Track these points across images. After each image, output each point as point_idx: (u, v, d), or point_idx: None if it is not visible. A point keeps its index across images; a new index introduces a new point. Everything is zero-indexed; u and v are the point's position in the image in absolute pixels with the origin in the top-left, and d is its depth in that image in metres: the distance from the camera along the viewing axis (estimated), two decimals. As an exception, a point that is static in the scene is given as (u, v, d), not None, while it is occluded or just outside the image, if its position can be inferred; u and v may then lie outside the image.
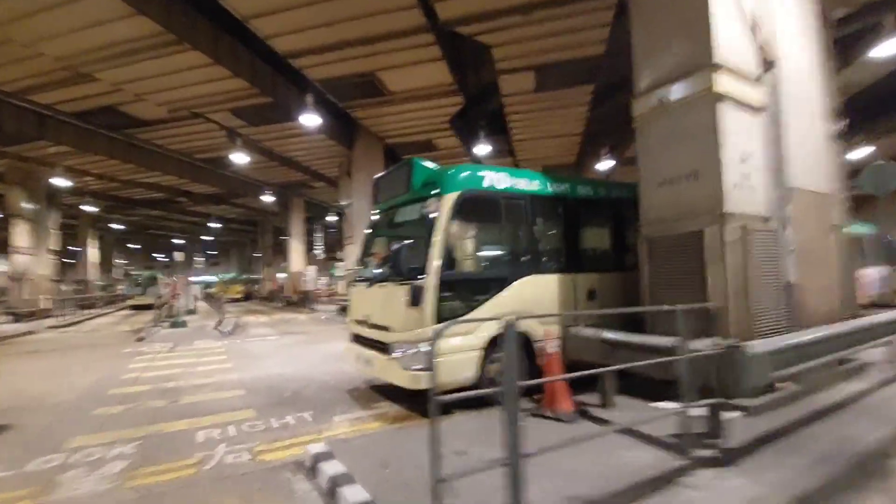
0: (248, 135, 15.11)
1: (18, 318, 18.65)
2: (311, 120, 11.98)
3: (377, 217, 5.95)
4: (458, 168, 4.93)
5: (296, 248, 25.87)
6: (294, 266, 25.76)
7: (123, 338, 13.07)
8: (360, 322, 5.40)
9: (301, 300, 24.40)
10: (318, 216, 29.08)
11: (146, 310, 27.24)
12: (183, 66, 10.31)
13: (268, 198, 22.27)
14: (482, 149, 15.15)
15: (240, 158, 15.47)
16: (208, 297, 36.03)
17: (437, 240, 4.45)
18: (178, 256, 16.95)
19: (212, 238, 44.73)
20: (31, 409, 5.41)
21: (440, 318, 4.35)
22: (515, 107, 12.79)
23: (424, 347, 4.28)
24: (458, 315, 4.51)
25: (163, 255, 57.77)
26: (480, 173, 4.99)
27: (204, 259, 54.62)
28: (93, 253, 33.31)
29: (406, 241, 5.49)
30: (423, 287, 4.36)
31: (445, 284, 4.45)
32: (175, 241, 43.83)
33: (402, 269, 4.55)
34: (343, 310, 17.61)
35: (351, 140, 16.17)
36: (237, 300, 35.28)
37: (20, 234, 19.57)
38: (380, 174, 6.10)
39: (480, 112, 13.33)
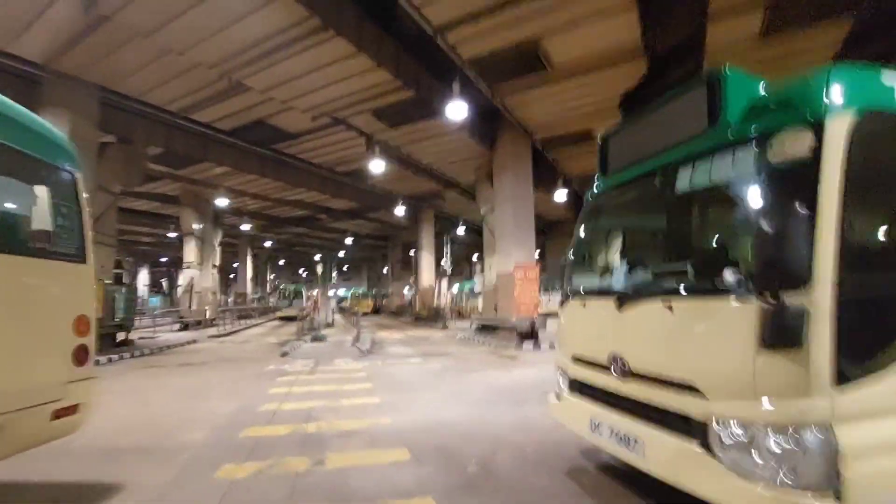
0: (386, 140, 14.29)
1: (187, 326, 20.38)
2: (456, 110, 10.42)
3: (607, 196, 3.75)
4: (841, 69, 2.46)
5: (426, 262, 25.07)
6: (424, 280, 24.94)
7: (270, 350, 12.78)
8: (590, 364, 3.24)
9: (432, 316, 23.33)
10: (446, 230, 28.13)
11: (292, 321, 29.12)
12: (326, 60, 9.50)
13: (400, 210, 21.73)
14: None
15: (377, 167, 14.71)
16: (342, 311, 37.62)
17: (826, 213, 2.09)
18: (318, 269, 16.51)
19: (345, 254, 47.24)
20: (151, 452, 4.24)
21: (844, 373, 1.99)
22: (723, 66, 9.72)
23: (814, 437, 1.96)
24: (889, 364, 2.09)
25: (304, 271, 63.35)
26: (888, 78, 2.47)
27: (338, 274, 58.27)
28: (249, 269, 36.91)
29: (688, 223, 3.24)
30: (805, 311, 2.02)
31: (854, 305, 2.06)
32: (315, 257, 47.18)
33: (741, 274, 2.27)
34: (483, 328, 15.78)
35: (493, 139, 14.45)
36: (367, 314, 36.18)
37: (191, 251, 21.63)
38: (616, 127, 3.82)
39: (664, 84, 10.50)
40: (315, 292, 17.41)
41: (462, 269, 46.26)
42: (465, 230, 27.80)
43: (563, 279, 3.98)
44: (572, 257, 3.95)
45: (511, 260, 13.63)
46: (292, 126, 13.63)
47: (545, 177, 16.13)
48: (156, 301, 44.52)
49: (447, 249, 27.30)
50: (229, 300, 38.36)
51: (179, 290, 22.58)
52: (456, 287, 27.04)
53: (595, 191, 3.82)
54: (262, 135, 14.23)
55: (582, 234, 3.96)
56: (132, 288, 14.23)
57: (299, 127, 13.66)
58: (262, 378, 8.19)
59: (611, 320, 3.07)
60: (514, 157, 13.67)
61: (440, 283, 23.87)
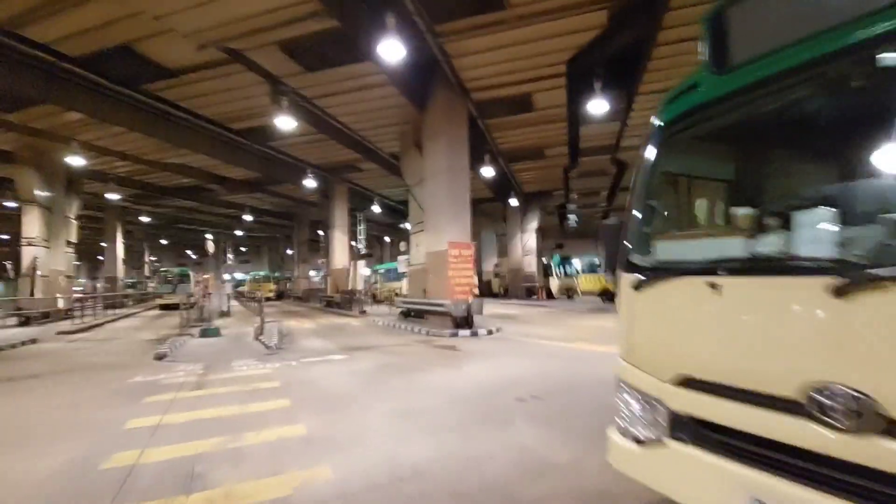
0: (297, 89, 11.78)
1: (28, 320, 15.91)
2: (389, 51, 8.46)
3: (728, 104, 2.24)
4: None
5: (339, 242, 22.64)
6: (337, 262, 22.54)
7: (141, 351, 9.92)
8: (741, 396, 1.78)
9: (346, 301, 21.13)
10: (360, 207, 25.81)
11: (176, 310, 24.64)
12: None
13: (310, 182, 19.03)
14: (596, 106, 11.46)
15: (285, 124, 12.14)
16: (240, 297, 33.46)
17: None
18: (210, 247, 13.57)
19: (243, 234, 42.29)
20: None
21: None
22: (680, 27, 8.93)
23: None
24: None
25: (193, 253, 56.10)
26: None
27: (234, 256, 52.42)
28: (120, 248, 31.01)
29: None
30: None
31: None
32: (206, 236, 41.50)
33: None
34: (407, 314, 14.17)
35: (424, 99, 12.63)
36: (269, 299, 32.56)
37: (32, 223, 16.87)
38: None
39: (614, 45, 9.55)
40: (206, 276, 14.35)
41: (373, 250, 44.01)
42: (382, 208, 25.74)
43: (620, 244, 2.53)
44: (651, 209, 2.47)
45: (444, 237, 12.12)
46: (171, 59, 10.53)
47: (473, 149, 14.81)
48: (0, 288, 35.90)
49: (361, 228, 25.08)
50: (98, 286, 32.04)
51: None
52: (367, 269, 25.00)
53: (697, 99, 2.31)
54: (129, 69, 10.86)
55: (671, 171, 2.49)
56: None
57: (181, 61, 10.61)
58: (121, 398, 5.75)
59: (809, 320, 1.62)
60: (449, 122, 12.04)
61: (355, 264, 21.70)
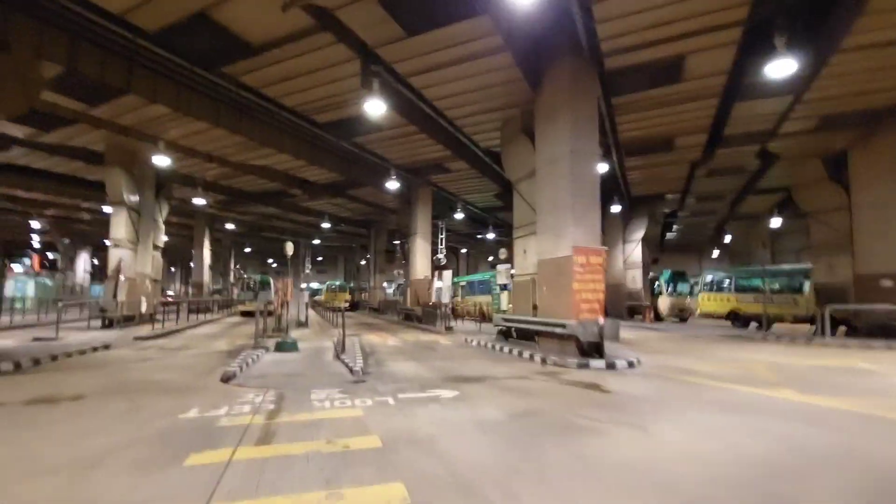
0: (392, 63, 9.99)
1: (111, 323, 15.54)
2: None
3: None
4: None
5: (421, 250, 20.84)
6: (418, 272, 20.71)
7: (209, 366, 8.40)
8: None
9: (428, 315, 19.14)
10: (441, 214, 23.96)
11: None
12: None
13: (392, 184, 17.39)
14: (774, 69, 8.51)
15: (374, 108, 10.40)
16: (315, 305, 32.94)
17: None
18: (289, 249, 12.12)
19: (320, 243, 42.42)
20: None
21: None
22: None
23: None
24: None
25: (274, 262, 57.94)
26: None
27: (311, 265, 53.17)
28: (207, 254, 31.79)
29: None
30: None
31: None
32: (287, 245, 42.11)
33: None
34: (507, 334, 11.75)
35: (539, 72, 10.35)
36: (343, 309, 31.65)
37: (119, 225, 16.72)
38: None
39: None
40: (284, 281, 12.99)
41: (449, 262, 42.24)
42: (463, 216, 23.69)
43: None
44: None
45: (564, 241, 9.62)
46: (252, 29, 9.17)
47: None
48: (99, 291, 38.59)
49: (442, 237, 23.17)
50: (190, 292, 33.13)
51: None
52: (444, 281, 22.90)
53: None
54: (208, 44, 9.67)
55: None
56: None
57: (262, 31, 9.22)
58: (158, 452, 3.88)
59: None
60: (574, 96, 9.60)
61: (439, 275, 19.73)
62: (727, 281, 19.40)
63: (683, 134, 14.02)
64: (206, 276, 32.40)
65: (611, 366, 8.60)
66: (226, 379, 7.17)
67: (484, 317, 21.09)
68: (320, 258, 56.68)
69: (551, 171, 10.08)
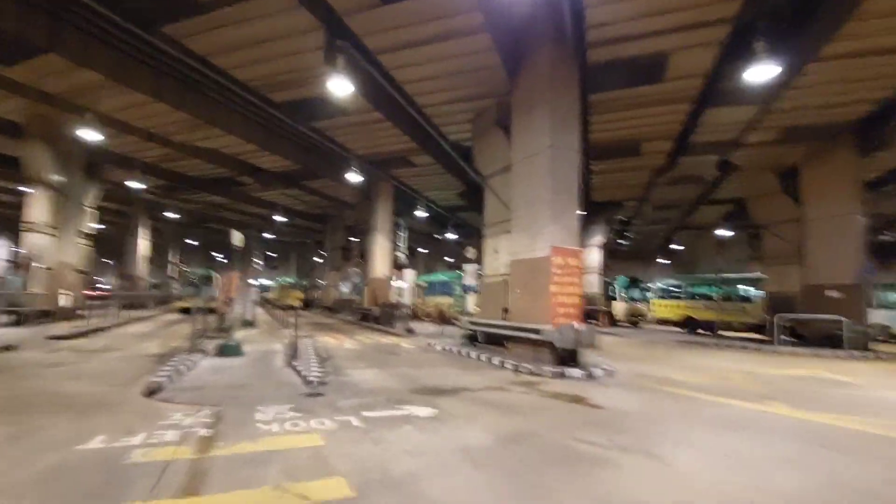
0: (361, 35, 9.02)
1: (22, 319, 13.46)
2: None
3: None
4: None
5: (381, 248, 19.79)
6: (378, 270, 19.66)
7: (133, 374, 7.07)
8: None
9: (386, 315, 18.16)
10: (401, 211, 22.95)
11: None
12: None
13: (352, 176, 16.24)
14: (754, 74, 8.34)
15: (339, 88, 9.33)
16: (265, 304, 30.98)
17: None
18: (237, 239, 10.78)
19: (273, 237, 40.15)
20: None
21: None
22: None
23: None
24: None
25: (221, 256, 54.51)
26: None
27: (262, 261, 50.42)
28: (144, 245, 29.10)
29: None
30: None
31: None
32: (233, 231, 39.49)
33: None
34: (473, 338, 11.07)
35: (518, 59, 9.71)
36: (294, 307, 29.96)
37: (39, 207, 14.60)
38: None
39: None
40: (229, 275, 11.66)
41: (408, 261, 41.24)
42: (424, 214, 22.80)
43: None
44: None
45: (541, 241, 9.03)
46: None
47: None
48: (19, 281, 34.51)
49: (403, 235, 22.24)
50: (123, 284, 30.15)
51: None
52: (406, 281, 21.71)
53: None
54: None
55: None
56: None
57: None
58: (32, 509, 2.80)
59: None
60: (553, 87, 9.02)
61: (400, 274, 18.78)
62: (681, 288, 19.72)
63: (652, 139, 13.91)
64: (143, 268, 29.65)
65: (589, 375, 8.07)
66: (150, 392, 5.96)
67: (444, 319, 20.36)
68: (272, 253, 53.93)
69: (528, 167, 9.46)
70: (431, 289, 22.53)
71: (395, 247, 20.76)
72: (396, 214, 21.44)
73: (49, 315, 14.54)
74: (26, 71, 11.25)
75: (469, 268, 14.04)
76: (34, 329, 12.65)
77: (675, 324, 19.67)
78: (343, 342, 12.92)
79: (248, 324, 15.68)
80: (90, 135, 13.29)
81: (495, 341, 10.46)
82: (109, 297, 23.34)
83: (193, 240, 44.59)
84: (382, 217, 19.85)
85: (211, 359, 8.89)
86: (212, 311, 12.69)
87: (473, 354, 10.21)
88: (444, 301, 21.03)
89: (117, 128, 14.54)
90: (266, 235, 38.47)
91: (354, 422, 4.96)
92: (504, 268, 10.40)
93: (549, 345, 8.54)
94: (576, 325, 8.61)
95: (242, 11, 8.59)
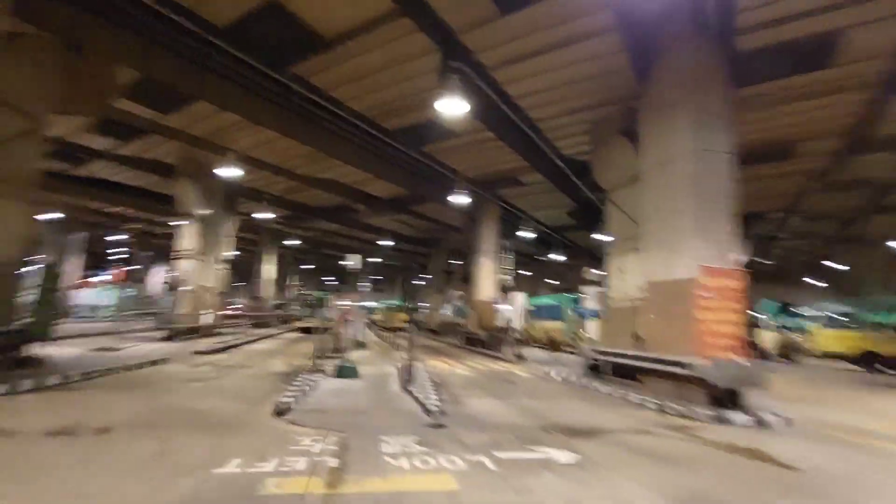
0: (476, 51, 8.80)
1: (173, 335, 15.21)
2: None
3: None
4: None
5: (486, 270, 19.33)
6: (483, 293, 19.17)
7: (263, 391, 7.28)
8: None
9: (493, 339, 17.47)
10: (506, 233, 22.32)
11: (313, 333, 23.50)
12: None
13: (459, 198, 16.07)
14: None
15: (452, 108, 9.14)
16: (373, 325, 32.17)
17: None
18: (354, 262, 11.01)
19: (379, 261, 42.05)
20: None
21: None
22: None
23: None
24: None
25: (332, 279, 58.54)
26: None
27: (368, 285, 53.05)
28: (270, 270, 32.11)
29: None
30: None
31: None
32: (348, 255, 42.08)
33: None
34: (595, 368, 9.89)
35: (649, 58, 8.71)
36: (401, 330, 30.56)
37: (188, 237, 16.63)
38: None
39: None
40: (345, 301, 11.97)
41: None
42: (530, 235, 21.93)
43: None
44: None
45: (682, 259, 7.76)
46: (325, 19, 8.34)
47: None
48: (171, 302, 40.34)
49: (509, 257, 21.53)
50: (253, 306, 33.68)
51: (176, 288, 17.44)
52: (516, 305, 20.69)
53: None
54: (278, 37, 8.98)
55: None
56: (53, 273, 9.07)
57: (336, 21, 8.36)
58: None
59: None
60: (697, 81, 7.87)
61: (505, 297, 18.09)
62: (854, 315, 16.22)
63: (811, 138, 11.72)
64: (269, 291, 32.69)
65: (758, 421, 6.56)
66: (279, 412, 5.96)
67: (554, 345, 19.09)
68: (377, 276, 56.66)
69: (663, 175, 8.31)
70: (538, 313, 21.37)
71: (501, 269, 20.12)
72: (501, 236, 20.90)
73: (194, 332, 16.29)
74: (179, 118, 12.91)
75: (589, 290, 12.88)
76: (182, 344, 14.16)
77: (847, 358, 16.17)
78: (454, 367, 12.50)
79: (361, 345, 16.05)
80: (229, 172, 14.88)
81: (625, 373, 9.20)
82: (241, 317, 25.95)
83: (309, 264, 48.48)
84: (488, 239, 19.44)
85: (330, 380, 8.96)
86: (326, 330, 13.16)
87: (600, 388, 9.07)
88: (553, 326, 19.77)
89: (251, 164, 16.11)
90: (374, 260, 40.39)
91: (487, 463, 4.34)
92: (633, 290, 9.20)
93: (699, 381, 7.18)
94: (737, 359, 7.15)
95: (363, 43, 8.87)
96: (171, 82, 10.37)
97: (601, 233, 17.34)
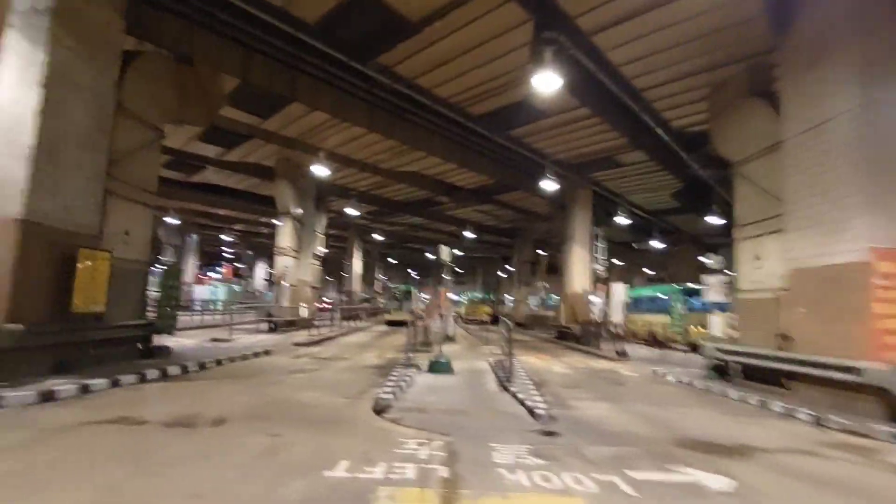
0: (573, 16, 7.94)
1: (275, 327, 16.14)
2: None
3: None
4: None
5: (579, 259, 18.11)
6: (576, 284, 18.02)
7: (359, 389, 7.15)
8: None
9: (588, 334, 16.35)
10: (597, 219, 20.79)
11: (401, 326, 24.06)
12: None
13: (548, 184, 15.11)
14: None
15: (546, 83, 8.38)
16: (458, 318, 32.10)
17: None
18: (444, 253, 10.73)
19: (460, 253, 42.01)
20: None
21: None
22: None
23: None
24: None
25: (415, 273, 59.82)
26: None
27: (452, 276, 53.36)
28: (357, 265, 33.35)
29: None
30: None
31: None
32: (428, 255, 42.68)
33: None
34: (720, 370, 8.58)
35: (788, 14, 7.23)
36: (484, 323, 30.10)
37: (285, 235, 17.53)
38: None
39: None
40: (437, 291, 11.73)
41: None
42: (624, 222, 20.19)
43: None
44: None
45: (844, 240, 6.33)
46: (412, 2, 7.97)
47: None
48: (271, 296, 43.76)
49: (602, 246, 20.00)
50: (341, 299, 35.40)
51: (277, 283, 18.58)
52: (616, 296, 19.01)
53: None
54: (366, 27, 8.83)
55: None
56: (174, 271, 9.79)
57: (423, 1, 7.96)
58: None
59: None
60: (862, 21, 6.32)
61: (599, 288, 16.79)
62: None
63: None
64: (357, 285, 34.03)
65: (973, 449, 5.09)
66: (379, 410, 5.73)
67: (658, 341, 17.44)
68: (459, 269, 56.86)
69: (816, 139, 6.85)
70: (637, 305, 19.70)
71: (594, 259, 18.77)
72: (594, 223, 19.48)
73: (293, 324, 17.16)
74: (276, 121, 13.47)
75: (710, 280, 11.35)
76: (283, 336, 14.94)
77: None
78: (550, 364, 11.74)
79: (449, 339, 15.84)
80: (320, 170, 15.36)
81: (761, 377, 7.85)
82: (333, 310, 27.24)
83: (393, 258, 49.90)
84: (580, 226, 18.18)
85: (424, 375, 8.72)
86: (412, 323, 13.07)
87: (730, 393, 7.82)
88: (656, 320, 18.07)
89: (339, 162, 16.53)
90: (456, 252, 40.43)
91: (621, 485, 3.66)
92: (774, 279, 7.79)
93: (874, 391, 5.80)
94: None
95: (450, 22, 8.42)
96: (266, 86, 10.77)
97: (715, 215, 15.46)
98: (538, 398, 6.56)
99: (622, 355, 13.13)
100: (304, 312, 17.93)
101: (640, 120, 11.50)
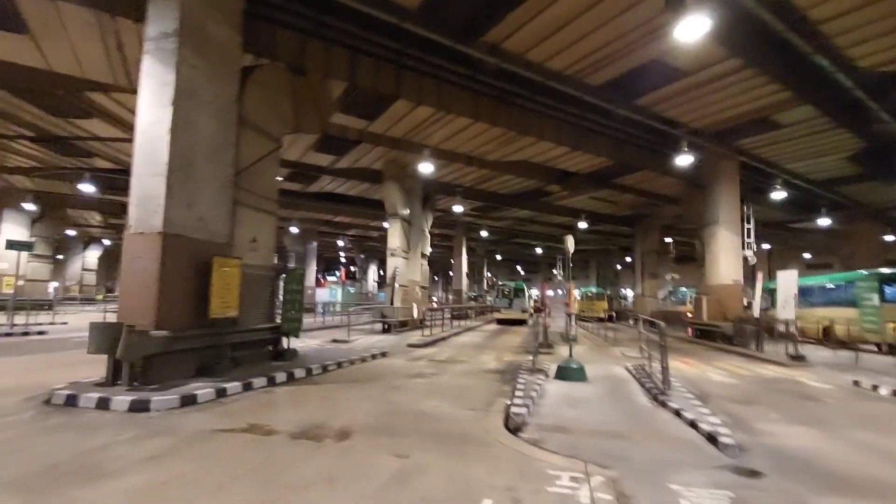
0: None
1: (389, 327, 16.27)
2: None
3: None
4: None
5: (725, 245, 15.40)
6: (723, 274, 15.37)
7: (484, 397, 6.40)
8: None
9: (742, 332, 13.80)
10: (743, 195, 17.58)
11: (512, 325, 23.23)
12: None
13: (683, 158, 12.94)
14: None
15: (689, 29, 6.86)
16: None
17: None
18: (570, 244, 9.58)
19: (574, 247, 39.71)
20: None
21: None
22: None
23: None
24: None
25: (522, 269, 58.33)
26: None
27: (561, 272, 50.93)
28: (464, 262, 33.12)
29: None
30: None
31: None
32: (537, 250, 41.07)
33: None
34: None
35: None
36: (601, 319, 27.70)
37: (395, 235, 17.67)
38: None
39: None
40: (566, 287, 10.61)
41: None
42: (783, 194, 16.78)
43: None
44: None
45: None
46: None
47: None
48: (382, 297, 45.74)
49: (750, 228, 16.83)
50: (450, 297, 35.57)
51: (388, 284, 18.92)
52: (786, 286, 15.63)
53: None
54: (469, 5, 8.08)
55: None
56: (297, 274, 10.01)
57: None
58: None
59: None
60: None
61: (754, 278, 14.05)
62: None
63: None
64: (464, 283, 33.83)
65: None
66: (514, 427, 4.90)
67: (840, 341, 14.09)
68: (570, 263, 54.12)
69: None
70: (806, 296, 16.22)
71: (746, 244, 15.88)
72: (742, 201, 16.46)
73: (405, 325, 17.20)
74: (382, 122, 13.41)
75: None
76: (397, 337, 14.93)
77: None
78: (702, 370, 9.91)
79: (571, 339, 14.49)
80: (426, 168, 15.08)
81: None
82: (442, 309, 27.24)
83: (500, 255, 49.00)
84: (726, 205, 15.41)
85: (554, 382, 7.72)
86: (523, 322, 12.03)
87: None
88: (837, 315, 14.65)
89: (444, 158, 16.11)
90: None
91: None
92: None
93: None
94: None
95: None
96: (372, 86, 10.64)
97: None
98: (713, 419, 5.19)
99: (798, 359, 10.67)
100: (415, 312, 17.93)
101: (811, 65, 9.12)
